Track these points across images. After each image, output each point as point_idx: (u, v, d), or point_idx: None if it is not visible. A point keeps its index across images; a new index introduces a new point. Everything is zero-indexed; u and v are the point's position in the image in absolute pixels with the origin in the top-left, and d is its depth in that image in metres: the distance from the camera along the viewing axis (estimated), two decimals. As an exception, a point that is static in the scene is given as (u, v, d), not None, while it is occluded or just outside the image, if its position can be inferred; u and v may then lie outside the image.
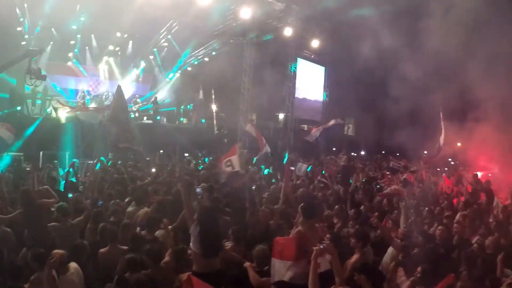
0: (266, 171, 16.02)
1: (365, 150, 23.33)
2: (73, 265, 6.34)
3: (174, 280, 6.22)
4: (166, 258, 6.66)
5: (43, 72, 19.26)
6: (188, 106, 28.22)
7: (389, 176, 14.67)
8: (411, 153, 19.09)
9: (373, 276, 5.51)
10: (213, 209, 7.27)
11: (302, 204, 7.23)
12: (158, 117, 25.96)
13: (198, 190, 10.03)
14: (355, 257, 6.59)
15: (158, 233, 7.71)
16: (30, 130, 18.32)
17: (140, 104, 27.34)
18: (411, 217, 8.82)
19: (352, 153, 23.26)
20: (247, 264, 6.41)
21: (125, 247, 7.20)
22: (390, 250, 7.12)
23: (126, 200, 10.17)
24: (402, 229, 8.06)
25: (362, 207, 9.61)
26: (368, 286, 5.35)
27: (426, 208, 10.03)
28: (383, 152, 23.39)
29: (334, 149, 24.08)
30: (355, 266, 6.09)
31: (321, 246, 5.51)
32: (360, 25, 21.32)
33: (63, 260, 6.16)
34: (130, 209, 9.39)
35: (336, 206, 9.69)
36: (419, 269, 5.85)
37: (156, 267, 6.32)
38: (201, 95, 27.35)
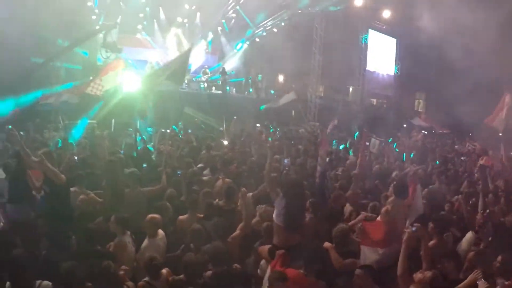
0: (341, 147, 15.71)
1: (436, 128, 22.38)
2: (161, 231, 6.63)
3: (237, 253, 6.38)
4: (236, 232, 6.79)
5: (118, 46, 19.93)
6: (258, 77, 28.17)
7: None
8: (486, 134, 18.19)
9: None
10: (299, 182, 6.96)
11: (394, 182, 7.11)
12: (228, 88, 26.13)
13: (285, 161, 9.92)
14: (432, 242, 6.36)
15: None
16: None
17: (209, 75, 27.60)
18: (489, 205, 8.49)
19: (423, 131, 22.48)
20: (327, 245, 6.31)
21: (202, 215, 7.36)
22: (468, 235, 6.85)
23: (199, 165, 10.44)
24: (480, 216, 7.78)
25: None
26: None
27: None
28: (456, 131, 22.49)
29: (404, 125, 23.32)
30: (434, 251, 5.93)
31: (413, 229, 5.44)
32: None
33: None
34: (205, 178, 9.51)
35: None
36: (499, 258, 5.51)
37: (222, 241, 6.34)
38: (269, 66, 27.26)
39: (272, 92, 27.75)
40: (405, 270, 5.22)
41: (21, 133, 13.59)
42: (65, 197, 7.38)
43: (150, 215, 6.68)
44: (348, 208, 8.05)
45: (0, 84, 15.95)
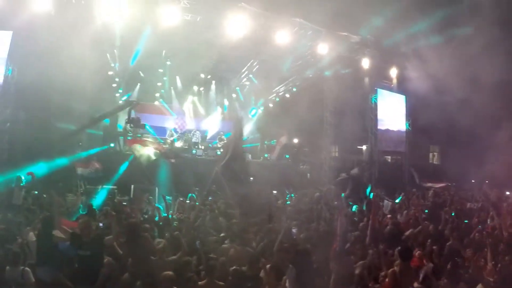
0: (354, 208, 15.81)
1: (453, 180, 22.45)
2: None
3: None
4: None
5: (142, 122, 21.02)
6: (271, 142, 28.76)
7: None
8: (504, 181, 18.27)
9: None
10: (306, 250, 7.40)
11: (399, 247, 7.34)
12: (244, 154, 26.53)
13: (293, 231, 10.17)
14: None
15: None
16: (124, 165, 19.41)
17: (225, 141, 28.24)
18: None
19: (440, 184, 22.54)
20: None
21: (221, 283, 7.57)
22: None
23: (221, 235, 10.66)
24: (490, 266, 7.94)
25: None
26: None
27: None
28: (472, 181, 22.55)
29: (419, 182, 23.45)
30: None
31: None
32: (439, 49, 21.19)
33: None
34: (225, 245, 9.76)
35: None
36: None
37: None
38: (283, 132, 27.86)
39: (287, 156, 28.19)
40: None
41: (44, 195, 14.32)
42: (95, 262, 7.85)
43: (164, 273, 7.09)
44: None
45: (30, 148, 16.74)
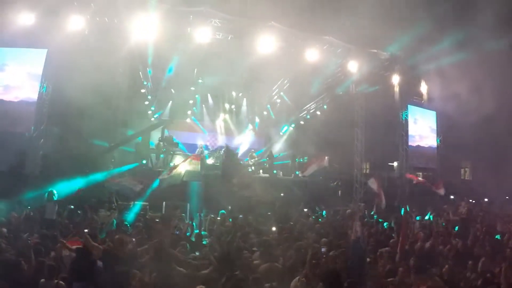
0: (385, 224, 15.71)
1: (486, 196, 22.03)
2: None
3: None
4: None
5: (175, 140, 21.29)
6: (303, 159, 28.74)
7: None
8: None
9: None
10: (335, 271, 7.37)
11: None
12: (275, 171, 26.68)
13: (322, 250, 10.20)
14: None
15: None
16: (156, 182, 19.66)
17: (256, 158, 28.42)
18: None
19: (471, 200, 22.16)
20: None
21: None
22: None
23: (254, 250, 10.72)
24: None
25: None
26: None
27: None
28: (507, 197, 22.12)
29: (452, 197, 23.09)
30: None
31: None
32: (468, 64, 21.01)
33: None
34: (256, 261, 9.71)
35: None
36: None
37: None
38: (314, 148, 27.83)
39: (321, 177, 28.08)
40: None
41: (79, 212, 14.64)
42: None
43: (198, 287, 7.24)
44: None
45: (63, 164, 17.15)
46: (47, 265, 8.52)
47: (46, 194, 14.69)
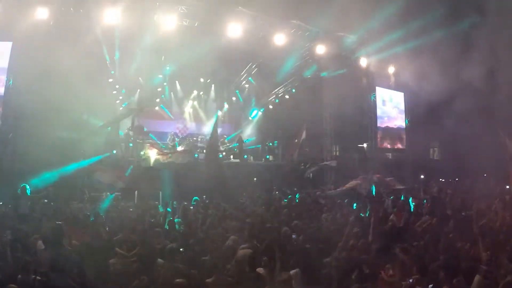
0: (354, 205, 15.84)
1: (453, 175, 22.45)
2: None
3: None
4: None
5: (145, 129, 21.17)
6: (273, 143, 28.85)
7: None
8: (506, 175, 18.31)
9: None
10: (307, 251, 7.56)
11: None
12: (245, 156, 26.75)
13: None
14: None
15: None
16: (127, 171, 19.50)
17: (227, 144, 28.44)
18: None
19: (440, 179, 22.63)
20: None
21: (230, 278, 7.72)
22: (477, 278, 7.08)
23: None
24: (485, 255, 7.96)
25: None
26: None
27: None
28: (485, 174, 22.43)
29: (422, 176, 23.53)
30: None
31: (410, 281, 5.78)
32: (435, 45, 21.35)
33: None
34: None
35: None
36: None
37: None
38: (284, 132, 27.93)
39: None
40: None
41: (52, 204, 14.49)
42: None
43: (177, 280, 7.23)
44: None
45: (33, 158, 16.86)
46: (23, 261, 8.39)
47: (19, 189, 14.50)
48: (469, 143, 21.95)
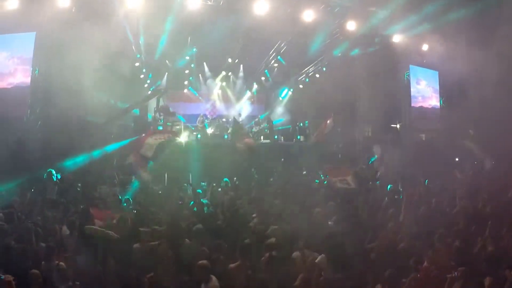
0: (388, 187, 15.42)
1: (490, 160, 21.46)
2: (214, 277, 6.96)
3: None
4: (297, 283, 6.96)
5: (171, 110, 20.94)
6: (304, 124, 28.47)
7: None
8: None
9: None
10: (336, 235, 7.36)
11: None
12: (276, 136, 26.58)
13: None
14: (488, 280, 6.15)
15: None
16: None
17: (259, 125, 28.18)
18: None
19: (475, 162, 21.75)
20: None
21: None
22: None
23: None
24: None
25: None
26: None
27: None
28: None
29: (457, 159, 22.68)
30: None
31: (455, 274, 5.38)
32: (471, 23, 20.46)
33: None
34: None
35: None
36: None
37: None
38: (315, 112, 27.50)
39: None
40: None
41: (78, 189, 14.52)
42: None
43: (200, 262, 7.09)
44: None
45: (63, 144, 16.97)
46: (46, 247, 8.41)
47: (45, 175, 14.55)
48: (506, 125, 21.13)
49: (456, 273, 5.58)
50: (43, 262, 8.04)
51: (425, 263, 7.07)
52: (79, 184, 15.22)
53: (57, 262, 7.97)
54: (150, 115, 23.89)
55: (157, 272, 7.61)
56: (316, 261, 7.03)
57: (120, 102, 22.69)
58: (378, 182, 17.12)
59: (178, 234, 8.76)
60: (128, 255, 8.16)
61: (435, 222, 9.46)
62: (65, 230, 9.46)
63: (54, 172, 14.72)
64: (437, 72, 27.21)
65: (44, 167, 15.48)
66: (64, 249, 8.78)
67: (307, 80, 30.06)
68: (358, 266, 7.15)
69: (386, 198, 12.85)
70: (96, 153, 17.96)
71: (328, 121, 22.50)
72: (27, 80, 18.57)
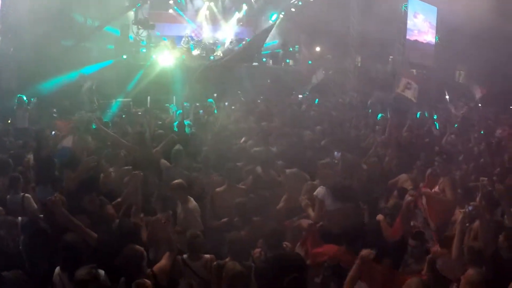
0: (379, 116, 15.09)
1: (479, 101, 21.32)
2: (191, 199, 6.79)
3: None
4: (280, 205, 6.95)
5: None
6: (294, 48, 27.69)
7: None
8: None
9: None
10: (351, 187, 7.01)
11: None
12: (264, 59, 25.94)
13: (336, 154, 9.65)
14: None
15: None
16: (137, 77, 18.98)
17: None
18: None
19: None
20: (380, 217, 6.40)
21: (244, 187, 7.41)
22: None
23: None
24: None
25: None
26: None
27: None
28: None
29: (447, 97, 22.44)
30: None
31: (469, 208, 5.21)
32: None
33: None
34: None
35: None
36: None
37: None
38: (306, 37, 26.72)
39: (310, 62, 27.14)
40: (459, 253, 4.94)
41: (54, 115, 13.91)
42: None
43: (175, 181, 6.79)
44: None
45: (34, 69, 16.34)
46: (11, 177, 7.76)
47: (16, 100, 13.87)
48: (496, 72, 20.80)
49: (470, 207, 5.20)
50: (8, 196, 7.49)
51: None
52: (55, 110, 14.58)
53: (22, 194, 7.50)
54: (131, 36, 22.57)
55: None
56: (314, 194, 6.66)
57: (99, 23, 21.42)
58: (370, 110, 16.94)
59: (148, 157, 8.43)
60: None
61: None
62: (31, 159, 9.00)
63: (24, 97, 14.03)
64: (436, 8, 26.44)
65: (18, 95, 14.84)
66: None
67: (299, 3, 28.78)
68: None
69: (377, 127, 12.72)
70: (70, 76, 17.16)
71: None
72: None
